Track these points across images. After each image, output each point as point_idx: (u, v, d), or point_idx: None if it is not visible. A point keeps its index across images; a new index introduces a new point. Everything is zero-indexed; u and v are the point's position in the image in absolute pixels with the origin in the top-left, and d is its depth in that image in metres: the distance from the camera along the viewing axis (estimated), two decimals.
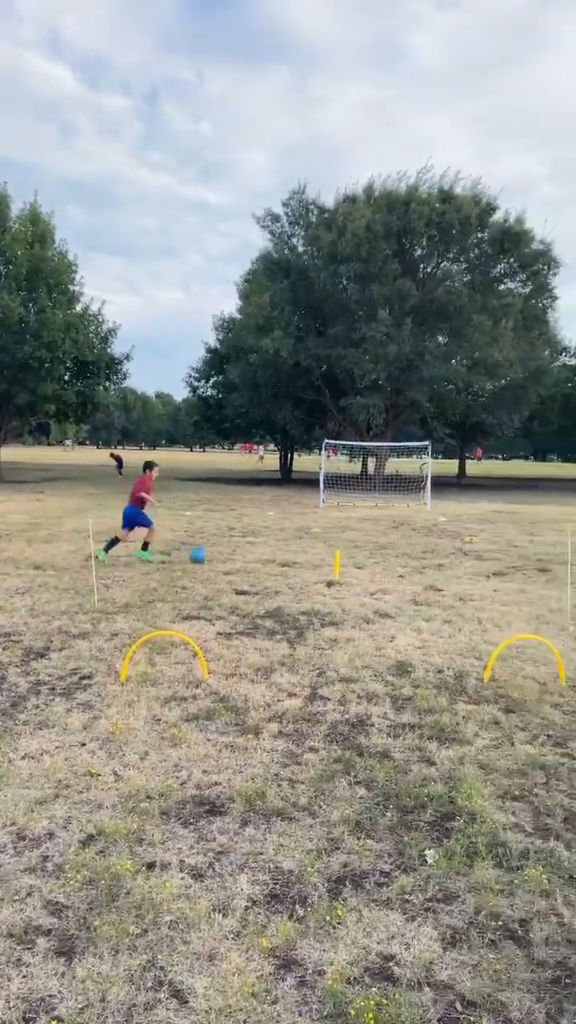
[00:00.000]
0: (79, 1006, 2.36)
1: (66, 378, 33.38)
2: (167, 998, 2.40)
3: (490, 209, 31.90)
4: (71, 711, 4.91)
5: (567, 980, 2.55)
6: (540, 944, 2.72)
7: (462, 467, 49.49)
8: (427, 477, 25.54)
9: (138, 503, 10.98)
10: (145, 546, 11.08)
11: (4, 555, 11.22)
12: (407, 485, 30.30)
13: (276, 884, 3.06)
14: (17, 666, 5.86)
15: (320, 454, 30.85)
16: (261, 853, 3.27)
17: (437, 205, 30.32)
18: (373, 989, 2.46)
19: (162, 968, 2.53)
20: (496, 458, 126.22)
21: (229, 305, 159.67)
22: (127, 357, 35.92)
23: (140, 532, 11.15)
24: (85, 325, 32.52)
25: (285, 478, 41.44)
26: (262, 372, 32.19)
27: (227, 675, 5.73)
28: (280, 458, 44.87)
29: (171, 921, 2.78)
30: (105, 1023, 2.30)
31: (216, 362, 41.91)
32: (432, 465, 27.80)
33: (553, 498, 31.21)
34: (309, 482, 34.83)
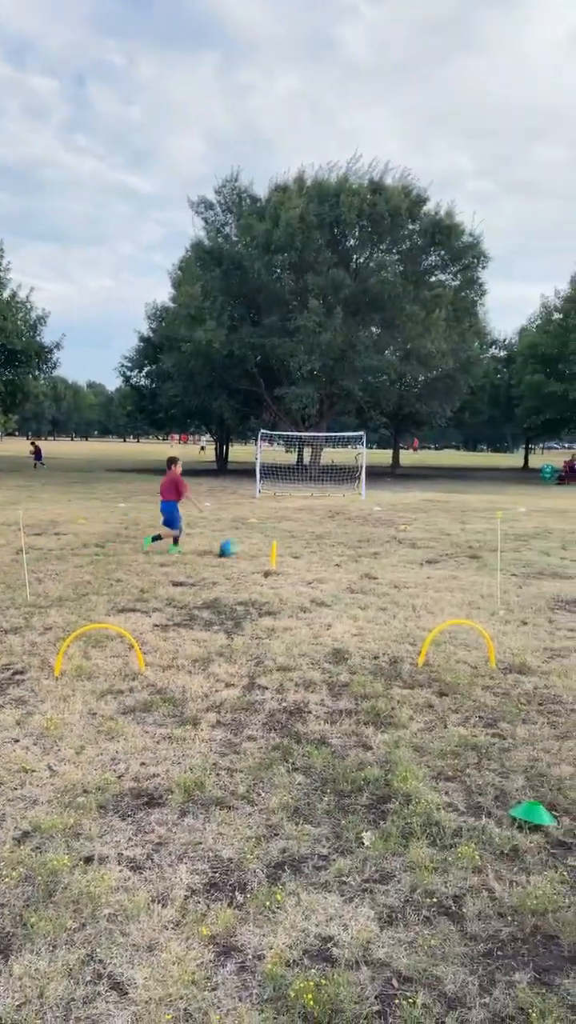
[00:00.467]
0: (16, 1003, 2.33)
1: None
2: (106, 991, 2.39)
3: (420, 201, 32.35)
4: (3, 707, 4.80)
5: (499, 952, 2.64)
6: (473, 919, 2.81)
7: (396, 457, 50.24)
8: (362, 467, 25.84)
9: (175, 497, 11.13)
10: (156, 537, 11.31)
11: None
12: (343, 475, 30.60)
13: (215, 873, 3.07)
14: None
15: (256, 444, 30.89)
16: (200, 843, 3.28)
17: (368, 196, 30.61)
18: (312, 971, 2.50)
19: (101, 961, 2.52)
20: (429, 448, 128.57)
21: (162, 294, 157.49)
22: (57, 346, 35.09)
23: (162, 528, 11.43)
24: (13, 312, 31.63)
25: (222, 468, 41.30)
26: (195, 362, 31.91)
27: (164, 667, 5.70)
28: (216, 448, 44.67)
29: (110, 914, 2.77)
30: (44, 1019, 2.28)
31: (149, 351, 41.29)
32: (366, 455, 28.11)
33: (483, 487, 32.02)
34: (246, 472, 34.78)
